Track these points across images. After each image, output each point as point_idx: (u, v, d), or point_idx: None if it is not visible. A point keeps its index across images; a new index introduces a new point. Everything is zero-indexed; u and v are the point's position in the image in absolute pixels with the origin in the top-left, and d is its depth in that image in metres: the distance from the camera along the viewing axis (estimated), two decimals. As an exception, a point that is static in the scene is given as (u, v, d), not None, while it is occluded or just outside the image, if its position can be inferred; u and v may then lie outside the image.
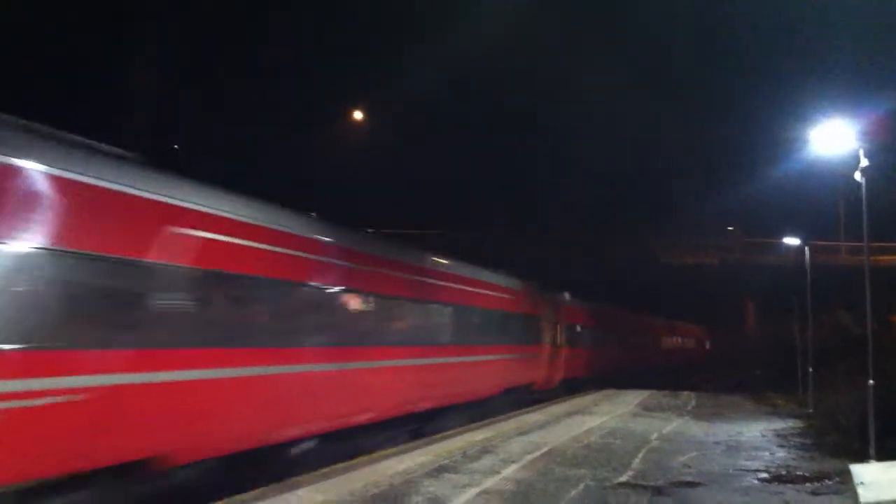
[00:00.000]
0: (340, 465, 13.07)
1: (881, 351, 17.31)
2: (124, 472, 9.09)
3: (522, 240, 47.19)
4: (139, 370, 9.18)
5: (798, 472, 13.46)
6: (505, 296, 23.53)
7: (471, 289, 20.59)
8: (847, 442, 15.97)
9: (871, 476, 10.92)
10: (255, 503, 10.44)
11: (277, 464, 12.07)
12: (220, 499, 10.30)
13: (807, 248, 26.22)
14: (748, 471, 13.76)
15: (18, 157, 8.02)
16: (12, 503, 7.93)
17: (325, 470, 12.60)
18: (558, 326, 29.50)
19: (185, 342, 9.88)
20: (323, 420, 13.13)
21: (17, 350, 7.79)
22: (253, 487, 11.03)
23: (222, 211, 10.82)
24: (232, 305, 11.18)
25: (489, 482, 12.17)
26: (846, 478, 12.43)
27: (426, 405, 17.50)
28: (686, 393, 32.46)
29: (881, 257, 35.73)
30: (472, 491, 11.51)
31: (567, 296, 32.16)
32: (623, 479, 12.73)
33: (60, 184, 8.38)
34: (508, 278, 24.55)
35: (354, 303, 14.62)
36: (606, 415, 22.88)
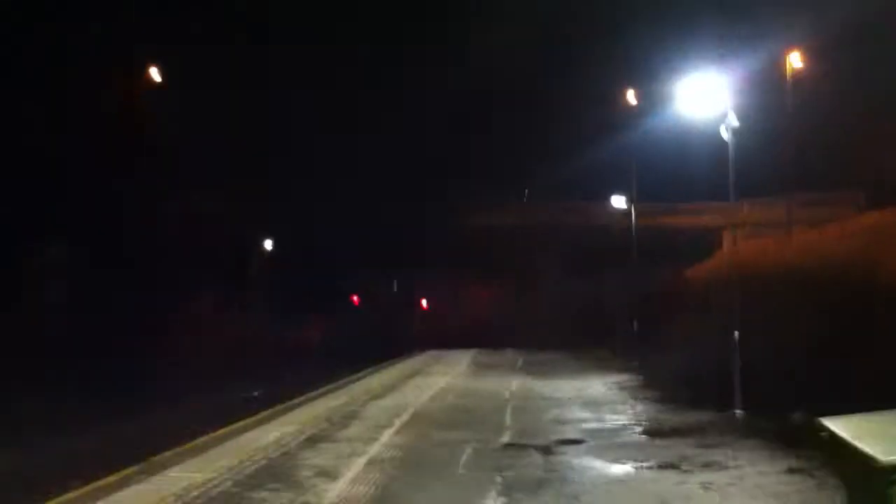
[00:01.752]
0: (202, 440, 11.72)
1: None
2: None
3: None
4: None
5: (671, 426, 13.34)
6: None
7: None
8: (694, 394, 16.12)
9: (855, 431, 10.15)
10: (120, 491, 8.99)
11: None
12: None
13: (633, 210, 27.02)
14: (622, 426, 13.65)
15: None
16: None
17: (187, 446, 11.23)
18: None
19: None
20: None
21: None
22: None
23: None
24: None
25: (372, 450, 11.29)
26: (715, 429, 12.58)
27: None
28: (509, 350, 32.79)
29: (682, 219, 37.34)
30: (360, 461, 10.59)
31: None
32: (505, 439, 12.24)
33: None
34: None
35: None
36: (447, 375, 22.52)
